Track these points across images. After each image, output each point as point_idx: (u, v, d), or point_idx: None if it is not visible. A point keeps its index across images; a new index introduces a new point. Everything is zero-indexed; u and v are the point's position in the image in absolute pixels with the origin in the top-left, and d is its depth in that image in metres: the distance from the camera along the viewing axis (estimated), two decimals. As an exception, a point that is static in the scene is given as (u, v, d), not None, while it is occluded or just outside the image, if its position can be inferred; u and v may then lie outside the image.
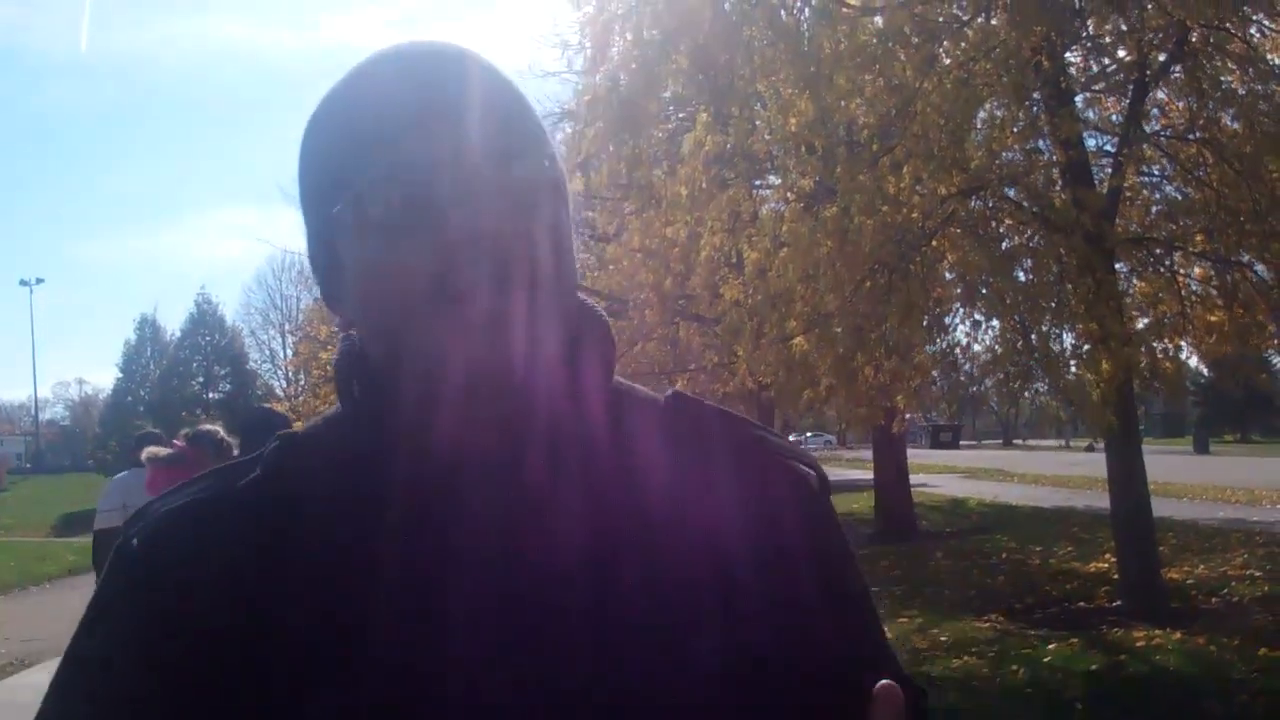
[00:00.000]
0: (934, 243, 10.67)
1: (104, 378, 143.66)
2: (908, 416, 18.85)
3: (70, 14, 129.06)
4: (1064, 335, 11.18)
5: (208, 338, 61.69)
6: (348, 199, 0.99)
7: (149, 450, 7.21)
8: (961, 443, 69.49)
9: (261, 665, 0.94)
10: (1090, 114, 12.44)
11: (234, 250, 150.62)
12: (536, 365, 0.98)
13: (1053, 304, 10.59)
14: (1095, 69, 11.97)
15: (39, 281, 77.87)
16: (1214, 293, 12.08)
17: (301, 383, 39.47)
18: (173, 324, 68.94)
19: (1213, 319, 11.94)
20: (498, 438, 1.00)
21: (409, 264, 0.96)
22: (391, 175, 0.97)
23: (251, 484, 1.04)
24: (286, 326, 63.88)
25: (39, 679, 11.63)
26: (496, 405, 0.99)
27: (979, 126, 10.69)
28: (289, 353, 57.18)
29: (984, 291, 10.77)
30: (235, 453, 6.47)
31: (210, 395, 59.87)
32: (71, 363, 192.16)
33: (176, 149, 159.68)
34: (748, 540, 1.02)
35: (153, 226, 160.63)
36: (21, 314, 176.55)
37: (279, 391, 54.50)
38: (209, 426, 7.04)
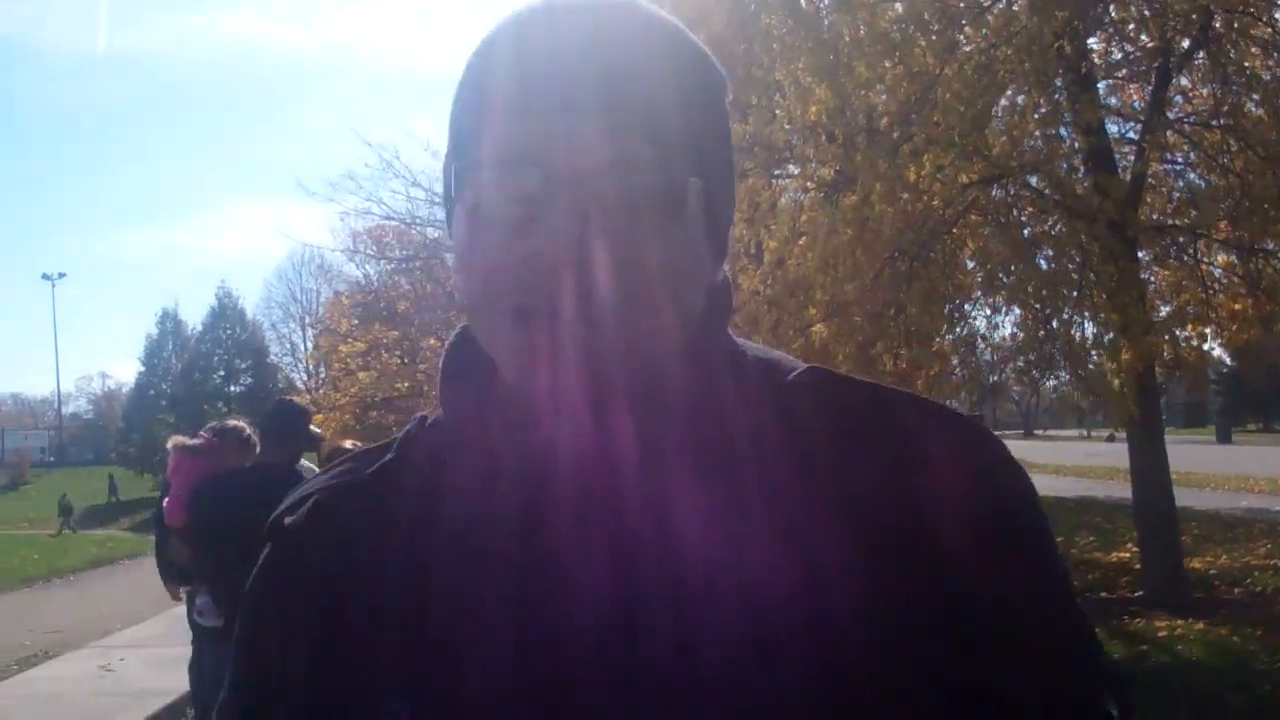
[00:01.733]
0: (955, 230, 10.62)
1: (126, 371, 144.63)
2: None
3: (87, 10, 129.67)
4: (1085, 324, 11.12)
5: (229, 331, 61.72)
6: (456, 174, 0.94)
7: (175, 438, 7.30)
8: (982, 433, 69.27)
9: (365, 655, 0.92)
10: (1112, 100, 12.36)
11: (254, 244, 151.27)
12: (620, 388, 0.89)
13: (1074, 292, 10.53)
14: (1118, 55, 11.89)
15: (61, 276, 78.54)
16: (1237, 280, 12.00)
17: (322, 376, 39.63)
18: (194, 318, 69.28)
19: (1236, 307, 11.86)
20: (581, 435, 0.91)
21: (487, 260, 0.90)
22: (494, 160, 0.89)
23: (385, 467, 1.02)
24: (307, 320, 64.06)
25: (63, 670, 11.70)
26: (565, 448, 0.91)
27: (1000, 113, 10.63)
28: (309, 346, 57.42)
29: (1005, 279, 10.71)
30: (258, 450, 6.51)
31: (232, 388, 59.93)
32: (94, 357, 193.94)
33: (195, 144, 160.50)
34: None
35: (172, 221, 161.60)
36: (44, 308, 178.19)
37: (300, 385, 54.74)
38: (234, 422, 7.08)
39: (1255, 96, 10.42)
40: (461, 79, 0.97)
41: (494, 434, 0.96)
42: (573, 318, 0.86)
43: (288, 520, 1.03)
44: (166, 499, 7.00)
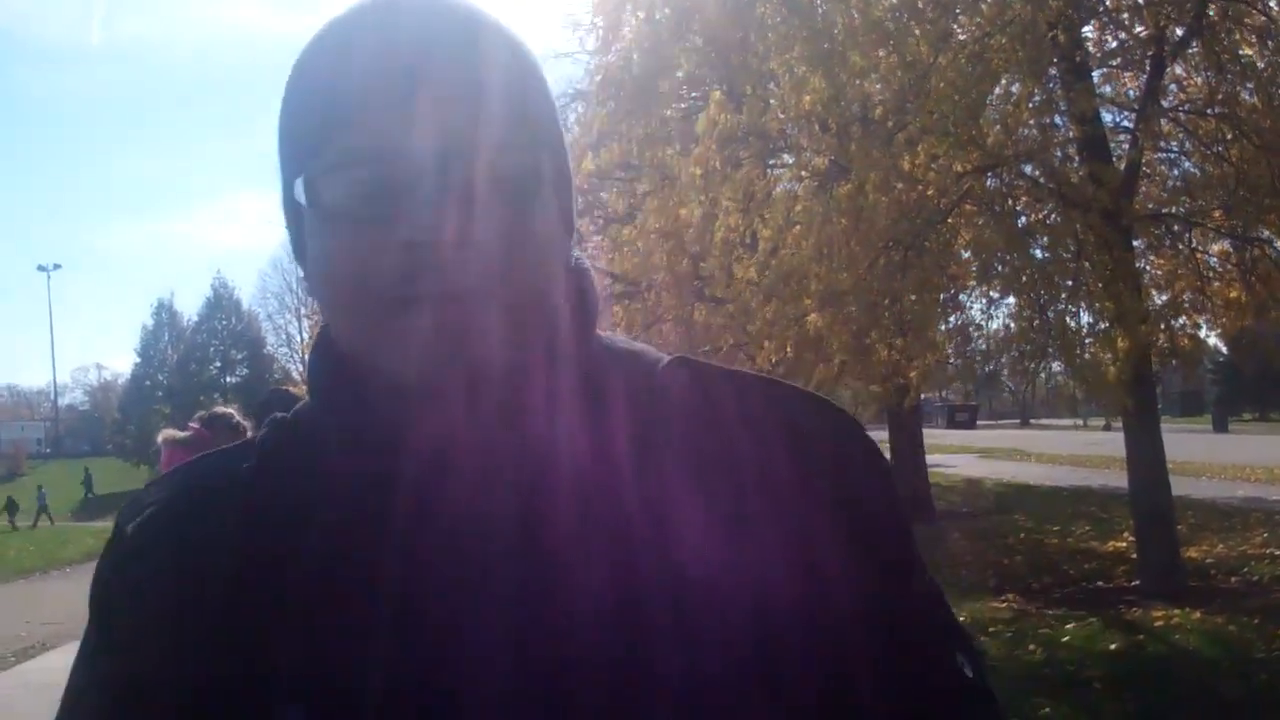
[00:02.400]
0: (949, 220, 10.61)
1: (122, 363, 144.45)
2: (923, 396, 18.81)
3: (83, 1, 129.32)
4: (1080, 313, 11.11)
5: (224, 322, 61.82)
6: (304, 181, 0.90)
7: (165, 432, 7.23)
8: (978, 423, 69.41)
9: (240, 661, 0.89)
10: (1107, 89, 12.35)
11: (249, 235, 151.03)
12: (498, 371, 0.90)
13: (1069, 281, 10.52)
14: (1113, 43, 11.87)
15: (56, 267, 78.44)
16: (1232, 268, 12.00)
17: (318, 366, 39.57)
18: (190, 309, 69.22)
19: (1231, 295, 11.86)
20: (468, 448, 0.92)
21: (359, 262, 0.88)
22: (348, 159, 0.87)
23: (246, 473, 0.99)
24: (302, 310, 64.12)
25: (59, 661, 11.70)
26: (454, 401, 0.90)
27: (995, 102, 10.62)
28: (305, 337, 57.45)
29: (999, 269, 10.71)
30: (249, 435, 6.46)
31: (228, 379, 60.05)
32: (90, 348, 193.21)
33: (191, 134, 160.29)
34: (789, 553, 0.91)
35: (168, 212, 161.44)
36: (40, 300, 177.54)
37: (295, 375, 54.75)
38: (223, 409, 7.03)
39: (1249, 84, 10.41)
40: (291, 86, 0.96)
41: (382, 428, 0.94)
42: (461, 295, 0.86)
43: (130, 527, 1.01)
44: None
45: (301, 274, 1.01)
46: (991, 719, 1.02)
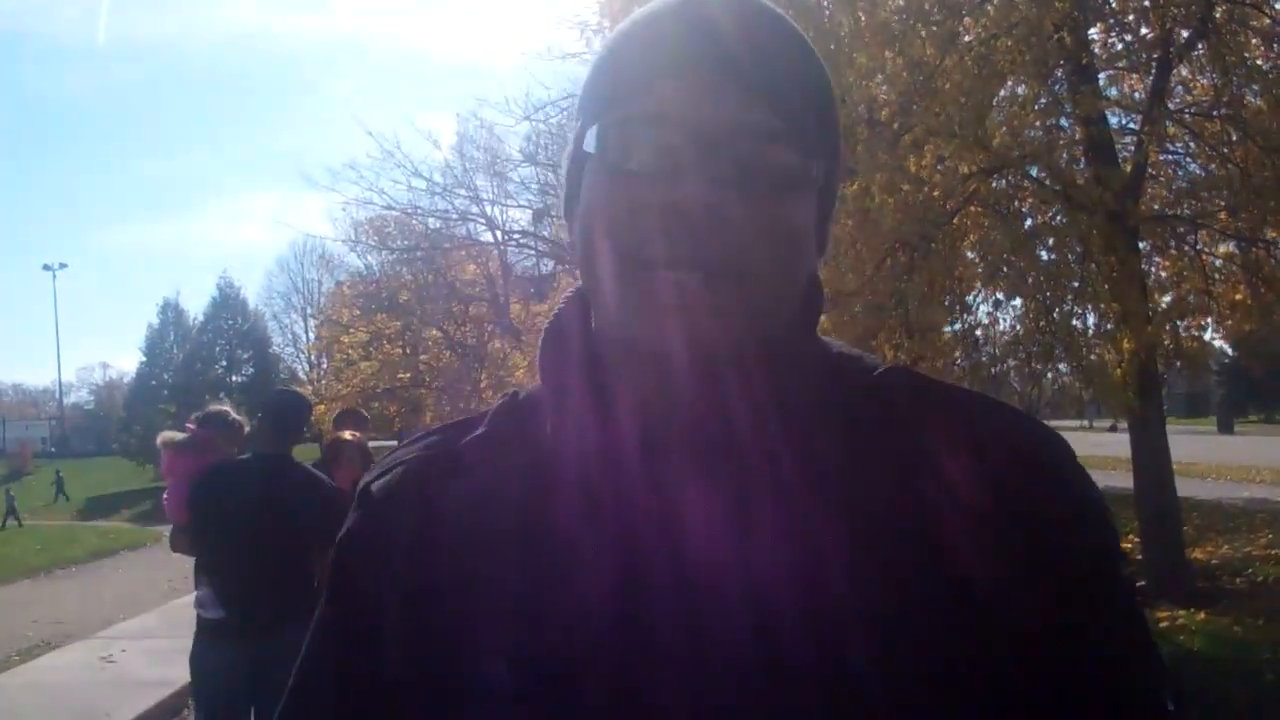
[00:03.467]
0: (956, 221, 10.61)
1: (128, 362, 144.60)
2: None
3: (89, 1, 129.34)
4: (1087, 314, 11.11)
5: (230, 322, 61.73)
6: (597, 129, 0.96)
7: (164, 435, 7.23)
8: (984, 424, 69.22)
9: (457, 616, 0.96)
10: (1113, 91, 12.34)
11: (255, 234, 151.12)
12: (735, 354, 0.93)
13: (1075, 283, 10.52)
14: (1119, 46, 11.86)
15: (62, 266, 78.18)
16: (1237, 270, 11.99)
17: (324, 366, 39.62)
18: (196, 308, 69.11)
19: (1237, 297, 11.85)
20: (677, 415, 0.96)
21: (619, 215, 0.93)
22: (640, 117, 0.93)
23: (475, 440, 1.06)
24: (308, 310, 64.16)
25: (65, 660, 11.71)
26: (682, 389, 0.94)
27: (1001, 104, 10.62)
28: (311, 336, 57.46)
29: (1005, 271, 10.71)
30: (246, 430, 6.50)
31: (233, 379, 59.96)
32: (95, 347, 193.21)
33: (197, 134, 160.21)
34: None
35: (174, 211, 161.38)
36: (45, 299, 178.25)
37: (302, 375, 54.81)
38: (217, 407, 7.04)
39: (1255, 87, 10.41)
40: (606, 48, 1.02)
41: (593, 398, 1.00)
42: (698, 269, 0.90)
43: (374, 486, 1.09)
44: (166, 496, 6.96)
45: (568, 233, 1.06)
46: None
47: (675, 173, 0.90)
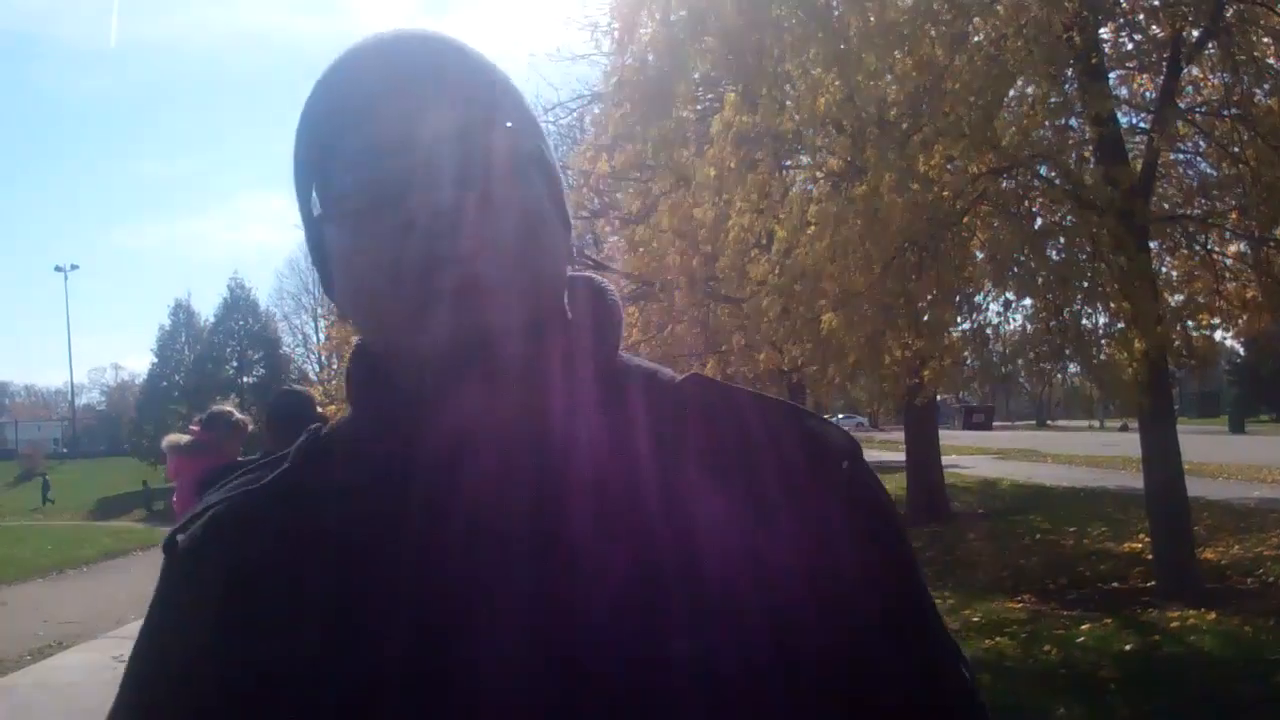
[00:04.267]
0: (965, 221, 10.60)
1: (139, 363, 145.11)
2: (940, 398, 18.77)
3: (101, 3, 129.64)
4: (1097, 314, 11.10)
5: (241, 322, 61.79)
6: (320, 187, 1.01)
7: (169, 439, 7.25)
8: (994, 424, 69.17)
9: (280, 658, 0.94)
10: (1123, 91, 12.32)
11: (266, 235, 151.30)
12: (507, 341, 0.97)
13: (1085, 283, 10.50)
14: (1129, 45, 11.84)
15: (74, 268, 78.77)
16: (1248, 269, 11.97)
17: (334, 367, 39.63)
18: (207, 309, 69.36)
19: (1248, 296, 11.83)
20: (488, 425, 0.98)
21: (376, 248, 0.96)
22: (354, 160, 0.97)
23: (279, 479, 1.07)
24: (319, 311, 64.15)
25: (76, 660, 11.77)
26: (478, 390, 0.98)
27: (1010, 104, 10.60)
28: (321, 337, 57.50)
29: (1015, 270, 10.70)
30: (251, 428, 6.52)
31: (244, 380, 60.07)
32: (107, 348, 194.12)
33: (207, 135, 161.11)
34: (793, 557, 0.97)
35: (185, 212, 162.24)
36: (57, 300, 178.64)
37: (312, 376, 54.80)
38: (220, 408, 7.07)
39: (1265, 86, 10.39)
40: (304, 112, 1.06)
41: (406, 420, 1.02)
42: (458, 262, 0.94)
43: (181, 538, 1.07)
44: (175, 499, 6.98)
45: (325, 291, 1.10)
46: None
47: (405, 191, 0.95)
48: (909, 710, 1.01)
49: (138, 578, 19.92)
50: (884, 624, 1.01)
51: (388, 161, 0.95)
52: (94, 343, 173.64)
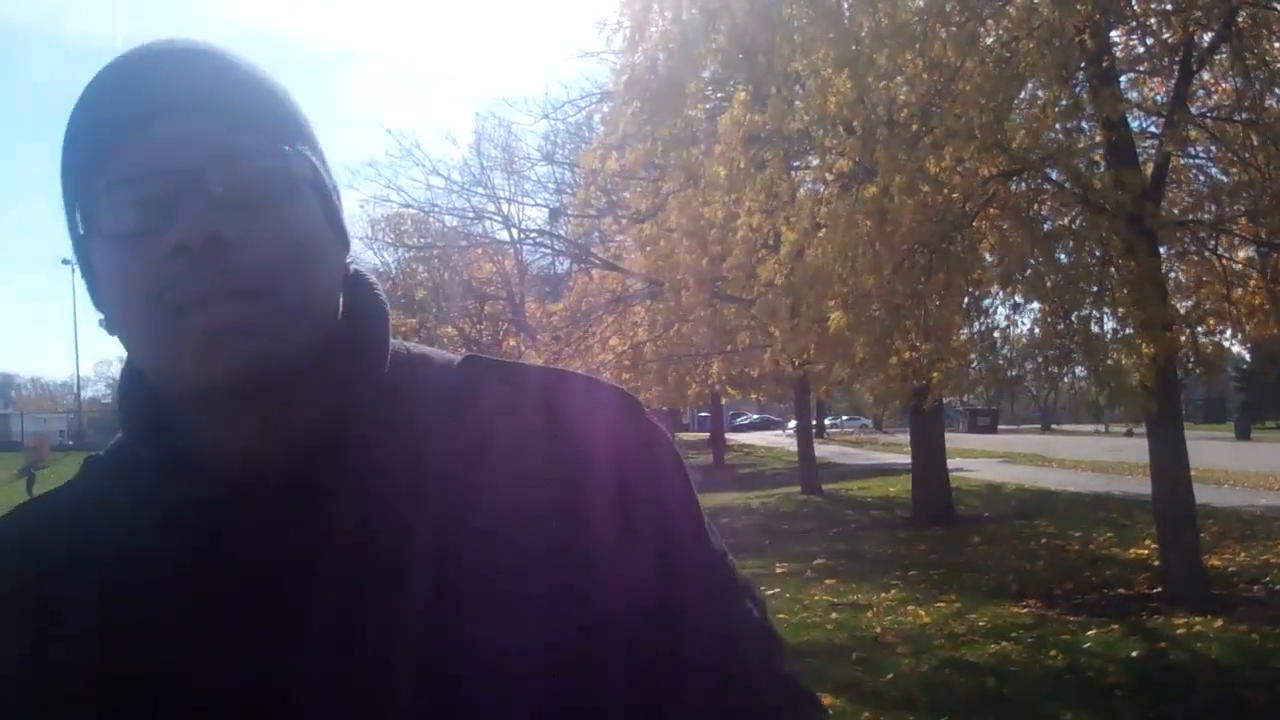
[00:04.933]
0: (974, 223, 10.58)
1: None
2: (945, 401, 18.74)
3: (106, 1, 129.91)
4: (1105, 318, 11.07)
5: (247, 316, 62.17)
6: (83, 205, 0.98)
7: None
8: (999, 427, 69.17)
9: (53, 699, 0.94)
10: (1134, 95, 12.29)
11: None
12: (283, 369, 0.94)
13: (1093, 287, 10.48)
14: (1140, 49, 11.81)
15: (80, 261, 78.57)
16: (1256, 275, 11.94)
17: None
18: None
19: (1256, 301, 11.81)
20: (259, 451, 0.97)
21: (139, 275, 0.93)
22: (122, 179, 0.94)
23: (61, 508, 1.08)
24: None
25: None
26: (247, 420, 0.96)
27: (1021, 106, 10.58)
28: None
29: (1026, 274, 10.67)
30: None
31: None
32: (112, 341, 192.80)
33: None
34: (577, 510, 0.98)
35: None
36: (63, 294, 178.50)
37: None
38: None
39: (1277, 90, 10.36)
40: (66, 133, 1.01)
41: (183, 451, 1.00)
42: (220, 298, 0.91)
43: None
44: None
45: (96, 307, 1.05)
46: (776, 653, 1.10)
47: (171, 216, 0.91)
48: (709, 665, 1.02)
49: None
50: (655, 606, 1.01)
51: (158, 183, 0.93)
52: (99, 336, 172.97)
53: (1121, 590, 11.82)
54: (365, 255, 38.43)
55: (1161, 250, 10.99)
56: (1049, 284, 10.43)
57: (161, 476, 0.99)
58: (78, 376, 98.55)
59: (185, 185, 0.92)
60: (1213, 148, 11.73)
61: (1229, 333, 12.72)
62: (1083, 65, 10.08)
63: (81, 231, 0.98)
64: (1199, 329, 11.67)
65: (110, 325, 1.00)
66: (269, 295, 0.92)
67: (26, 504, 1.11)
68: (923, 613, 10.95)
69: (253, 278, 0.92)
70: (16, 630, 0.97)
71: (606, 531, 0.99)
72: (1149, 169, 10.66)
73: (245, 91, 1.00)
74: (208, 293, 0.91)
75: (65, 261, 78.17)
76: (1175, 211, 11.72)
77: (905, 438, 20.20)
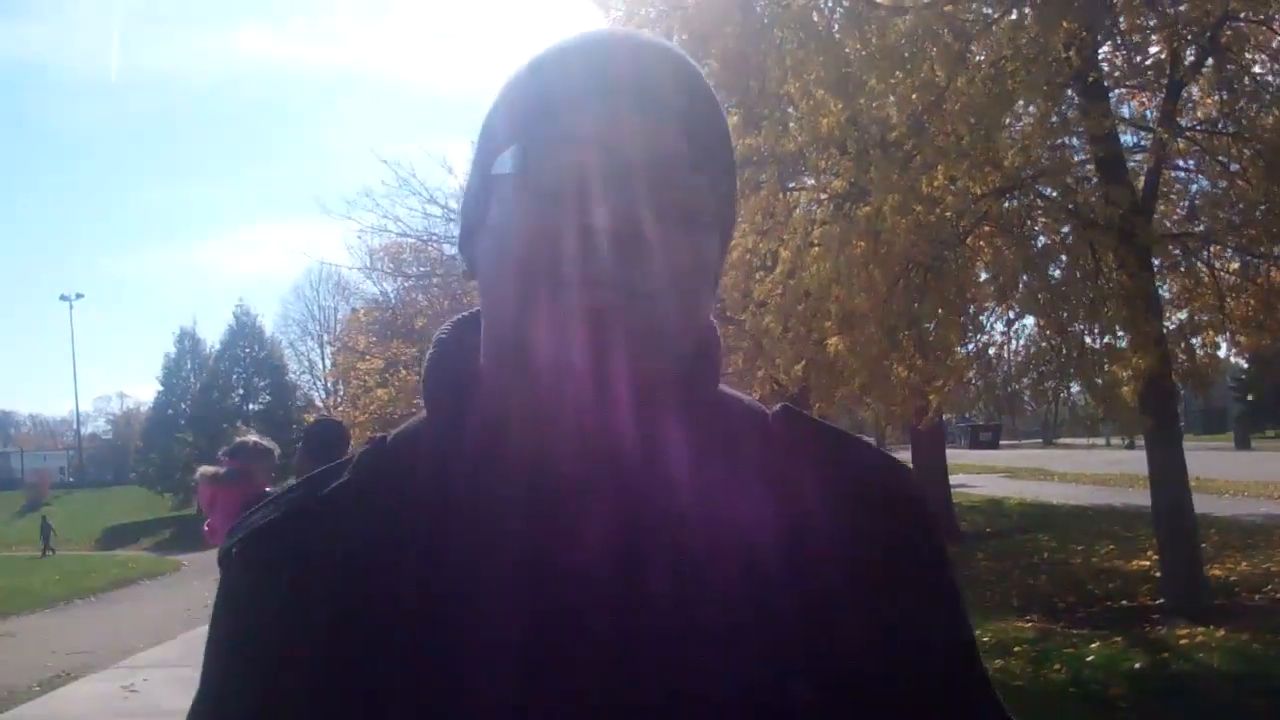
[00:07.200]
0: (968, 241, 10.63)
1: (145, 391, 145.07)
2: (946, 417, 18.76)
3: (102, 32, 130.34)
4: (1098, 333, 11.12)
5: (247, 350, 61.62)
6: (518, 149, 0.97)
7: (202, 470, 7.33)
8: (1001, 442, 69.01)
9: (347, 670, 0.93)
10: (1124, 110, 12.36)
11: (271, 262, 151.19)
12: (648, 381, 0.95)
13: (1087, 302, 10.52)
14: (1127, 66, 11.88)
15: (79, 297, 78.22)
16: (1248, 287, 11.99)
17: (340, 393, 39.67)
18: (212, 337, 69.09)
19: (1249, 313, 11.86)
20: (583, 456, 0.97)
21: (542, 235, 0.93)
22: (564, 139, 0.94)
23: (340, 489, 1.05)
24: (325, 337, 64.32)
25: (86, 691, 11.74)
26: (583, 421, 0.96)
27: (1012, 124, 10.64)
28: (327, 364, 57.58)
29: (1019, 290, 10.72)
30: (277, 454, 6.58)
31: (250, 407, 59.88)
32: (112, 377, 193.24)
33: (212, 163, 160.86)
34: (848, 577, 0.97)
35: (190, 240, 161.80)
36: (62, 329, 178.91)
37: (318, 402, 54.85)
38: (241, 439, 7.13)
39: (1266, 99, 10.44)
40: (531, 69, 1.02)
41: (484, 430, 1.00)
42: (610, 290, 0.91)
43: (239, 549, 1.06)
44: (208, 530, 7.01)
45: (460, 248, 1.07)
46: None
47: (594, 195, 0.91)
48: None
49: (146, 607, 19.93)
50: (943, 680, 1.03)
51: (604, 154, 0.93)
52: (99, 371, 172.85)
53: (1124, 602, 11.84)
54: (364, 285, 38.57)
55: (1154, 263, 11.04)
56: (1042, 300, 10.48)
57: (487, 467, 0.99)
58: (77, 413, 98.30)
59: (622, 170, 0.93)
60: (1201, 161, 11.79)
61: (1224, 346, 12.78)
62: (1071, 81, 10.15)
63: (506, 171, 0.98)
64: (1194, 340, 11.71)
65: (483, 268, 1.01)
66: (654, 308, 0.92)
67: (310, 479, 1.10)
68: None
69: (647, 285, 0.92)
70: (326, 602, 0.96)
71: (868, 594, 0.98)
72: (1140, 183, 10.72)
73: (710, 110, 1.01)
74: (597, 281, 0.91)
75: (64, 297, 78.42)
76: (1167, 224, 11.78)
77: (908, 455, 20.19)
